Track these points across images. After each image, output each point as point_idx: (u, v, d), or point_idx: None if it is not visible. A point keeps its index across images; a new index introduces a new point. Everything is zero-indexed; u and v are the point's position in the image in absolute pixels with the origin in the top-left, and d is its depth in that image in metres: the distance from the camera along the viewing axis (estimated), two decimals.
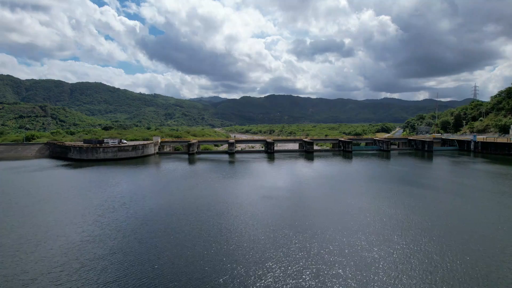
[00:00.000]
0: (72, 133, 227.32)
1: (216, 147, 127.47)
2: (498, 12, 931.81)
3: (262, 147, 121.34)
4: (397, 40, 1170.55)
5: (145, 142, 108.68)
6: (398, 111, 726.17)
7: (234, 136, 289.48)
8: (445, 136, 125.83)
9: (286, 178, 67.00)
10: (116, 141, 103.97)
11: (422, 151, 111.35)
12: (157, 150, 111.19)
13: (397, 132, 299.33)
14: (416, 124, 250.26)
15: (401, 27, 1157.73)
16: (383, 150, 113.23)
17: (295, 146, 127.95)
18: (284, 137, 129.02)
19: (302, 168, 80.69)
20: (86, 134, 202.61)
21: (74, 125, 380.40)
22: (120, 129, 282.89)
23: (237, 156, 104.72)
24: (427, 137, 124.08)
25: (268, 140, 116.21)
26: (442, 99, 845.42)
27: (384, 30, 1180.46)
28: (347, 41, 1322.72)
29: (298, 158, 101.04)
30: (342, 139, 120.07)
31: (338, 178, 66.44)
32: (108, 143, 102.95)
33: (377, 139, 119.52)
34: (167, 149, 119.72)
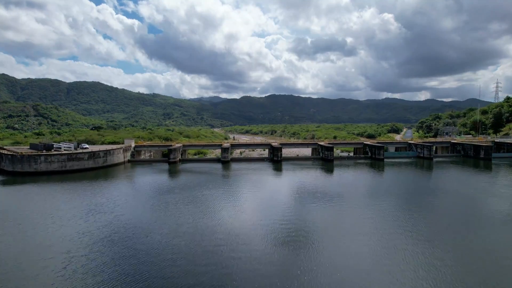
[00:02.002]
0: (58, 133, 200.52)
1: (211, 152, 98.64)
2: (503, 10, 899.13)
3: (265, 150, 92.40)
4: (400, 39, 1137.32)
5: (111, 147, 79.93)
6: (400, 111, 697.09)
7: (233, 137, 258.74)
8: (499, 139, 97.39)
9: (309, 213, 38.42)
10: (72, 145, 75.51)
11: (475, 158, 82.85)
12: (128, 158, 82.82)
13: (407, 133, 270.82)
14: (433, 124, 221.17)
15: (404, 25, 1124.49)
16: (423, 158, 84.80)
17: (307, 151, 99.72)
18: (293, 140, 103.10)
19: (329, 188, 52.04)
20: (73, 135, 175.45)
21: (66, 125, 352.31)
22: (110, 129, 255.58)
23: (233, 165, 76.61)
24: (475, 140, 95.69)
25: (273, 143, 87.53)
26: (444, 99, 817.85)
27: (387, 29, 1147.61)
28: (349, 40, 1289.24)
29: (315, 168, 72.49)
30: (368, 142, 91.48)
31: (405, 218, 37.60)
32: (60, 148, 74.72)
33: (413, 143, 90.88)
34: (144, 155, 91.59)
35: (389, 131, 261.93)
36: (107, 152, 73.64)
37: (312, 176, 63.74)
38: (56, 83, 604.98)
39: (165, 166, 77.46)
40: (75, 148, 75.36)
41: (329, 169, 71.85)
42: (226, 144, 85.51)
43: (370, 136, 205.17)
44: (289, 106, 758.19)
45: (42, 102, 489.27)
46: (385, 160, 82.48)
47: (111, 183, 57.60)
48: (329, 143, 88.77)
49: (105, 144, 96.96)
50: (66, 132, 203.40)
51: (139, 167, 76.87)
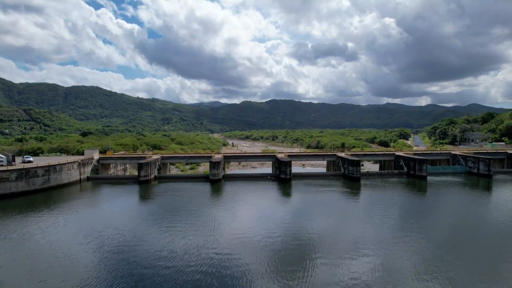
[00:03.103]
0: (42, 139, 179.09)
1: (203, 163, 75.99)
2: (506, 14, 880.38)
3: (264, 164, 70.27)
4: (401, 44, 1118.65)
5: (59, 160, 57.49)
6: (402, 117, 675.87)
7: (232, 143, 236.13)
8: None
9: None
10: (3, 158, 53.64)
11: None
12: (87, 174, 60.79)
13: (416, 140, 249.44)
14: (448, 130, 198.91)
15: (406, 30, 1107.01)
16: (477, 174, 62.90)
17: (321, 164, 77.77)
18: (305, 151, 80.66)
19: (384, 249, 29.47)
20: (50, 141, 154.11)
21: (60, 130, 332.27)
22: (101, 135, 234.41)
23: (226, 187, 54.72)
24: None
25: (279, 155, 65.36)
26: (445, 105, 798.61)
27: (388, 33, 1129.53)
28: (350, 45, 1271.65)
29: (340, 193, 50.31)
30: (402, 154, 69.41)
31: None
32: None
33: (459, 155, 68.73)
34: (115, 170, 69.80)
35: (398, 137, 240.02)
36: (50, 169, 51.58)
37: (344, 212, 41.68)
38: (53, 87, 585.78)
39: (135, 186, 55.61)
40: (9, 162, 53.45)
41: (353, 190, 49.99)
42: (217, 157, 63.24)
43: (383, 144, 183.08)
44: (289, 111, 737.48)
45: (39, 106, 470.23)
46: (428, 177, 60.53)
47: (35, 220, 35.56)
48: (352, 155, 66.68)
49: (72, 155, 75.20)
50: (56, 137, 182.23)
51: (100, 188, 55.05)
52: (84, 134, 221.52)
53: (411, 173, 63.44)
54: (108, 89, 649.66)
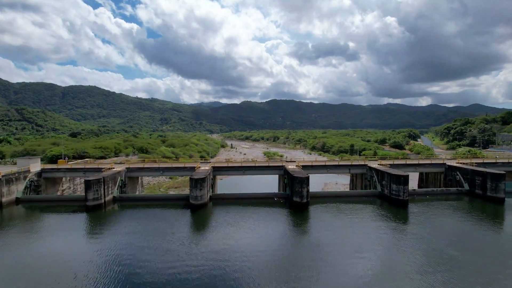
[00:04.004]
0: (18, 138, 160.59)
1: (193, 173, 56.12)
2: (509, 13, 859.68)
3: (272, 173, 50.30)
4: (403, 43, 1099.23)
5: None
6: (404, 117, 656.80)
7: (231, 145, 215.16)
8: None
9: None
10: None
11: None
12: (15, 195, 41.66)
13: (425, 141, 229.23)
14: (465, 131, 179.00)
15: (408, 29, 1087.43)
16: None
17: (344, 179, 58.28)
18: (323, 160, 60.61)
19: None
20: (35, 141, 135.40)
21: (53, 130, 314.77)
22: (91, 135, 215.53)
23: (213, 215, 35.47)
24: None
25: (290, 167, 45.49)
26: (446, 105, 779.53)
27: (390, 32, 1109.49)
28: (351, 44, 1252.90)
29: (388, 228, 30.90)
30: (457, 164, 49.95)
31: None
32: None
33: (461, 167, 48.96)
34: (69, 185, 50.69)
35: (408, 138, 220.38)
36: None
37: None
38: (50, 87, 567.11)
39: (79, 216, 36.52)
40: None
41: (399, 218, 30.84)
42: (202, 169, 43.57)
43: (397, 146, 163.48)
44: (290, 111, 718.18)
45: (35, 106, 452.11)
46: (506, 199, 41.25)
47: None
48: (392, 166, 47.14)
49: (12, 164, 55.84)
50: (38, 138, 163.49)
51: (36, 216, 36.18)
52: (73, 135, 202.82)
53: (476, 193, 44.06)
54: (107, 89, 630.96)
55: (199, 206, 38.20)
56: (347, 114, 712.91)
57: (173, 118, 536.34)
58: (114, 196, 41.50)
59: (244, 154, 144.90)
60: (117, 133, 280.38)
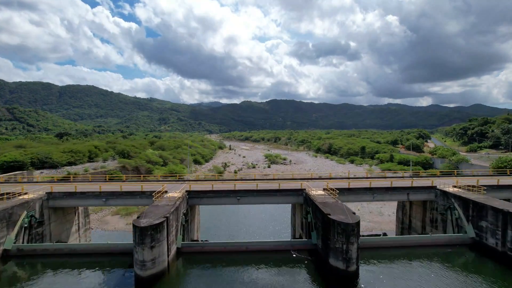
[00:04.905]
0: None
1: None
2: None
3: (285, 202, 30.80)
4: (404, 42, 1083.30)
5: None
6: (406, 117, 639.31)
7: (230, 146, 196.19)
8: None
9: None
10: None
11: None
12: None
13: (435, 142, 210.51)
14: (486, 131, 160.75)
15: (409, 28, 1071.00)
16: None
17: (389, 208, 39.45)
18: (364, 175, 45.61)
19: None
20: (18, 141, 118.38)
21: (45, 130, 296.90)
22: (80, 136, 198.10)
23: None
24: None
25: (316, 193, 27.13)
26: (447, 105, 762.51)
27: (391, 32, 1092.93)
28: (352, 44, 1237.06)
29: None
30: None
31: None
32: None
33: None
34: None
35: (416, 138, 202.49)
36: None
37: None
38: (47, 86, 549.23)
39: None
40: None
41: None
42: (169, 197, 25.30)
43: (415, 148, 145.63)
44: (290, 112, 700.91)
45: (31, 106, 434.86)
46: None
47: None
48: (471, 189, 29.20)
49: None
50: (12, 138, 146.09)
51: None
52: (60, 136, 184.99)
53: None
54: (106, 88, 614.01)
55: (151, 280, 20.27)
56: (348, 114, 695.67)
57: (172, 118, 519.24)
58: (10, 247, 23.33)
59: (244, 157, 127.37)
60: (112, 133, 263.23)
